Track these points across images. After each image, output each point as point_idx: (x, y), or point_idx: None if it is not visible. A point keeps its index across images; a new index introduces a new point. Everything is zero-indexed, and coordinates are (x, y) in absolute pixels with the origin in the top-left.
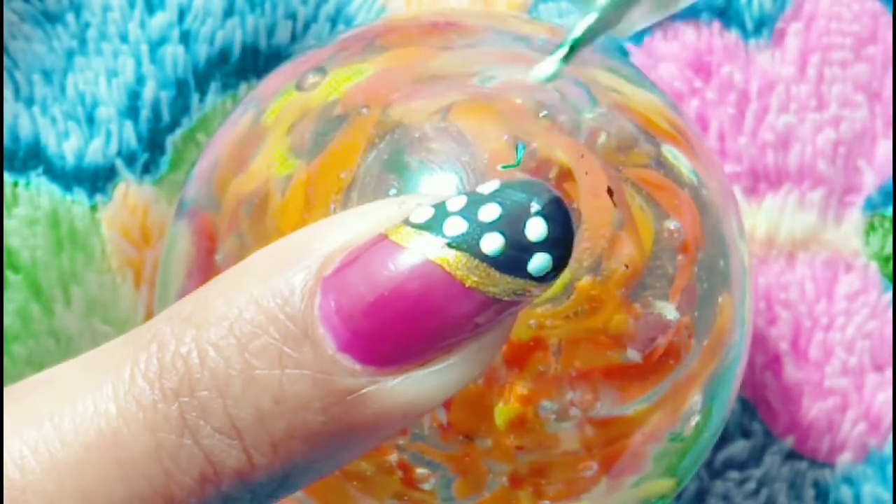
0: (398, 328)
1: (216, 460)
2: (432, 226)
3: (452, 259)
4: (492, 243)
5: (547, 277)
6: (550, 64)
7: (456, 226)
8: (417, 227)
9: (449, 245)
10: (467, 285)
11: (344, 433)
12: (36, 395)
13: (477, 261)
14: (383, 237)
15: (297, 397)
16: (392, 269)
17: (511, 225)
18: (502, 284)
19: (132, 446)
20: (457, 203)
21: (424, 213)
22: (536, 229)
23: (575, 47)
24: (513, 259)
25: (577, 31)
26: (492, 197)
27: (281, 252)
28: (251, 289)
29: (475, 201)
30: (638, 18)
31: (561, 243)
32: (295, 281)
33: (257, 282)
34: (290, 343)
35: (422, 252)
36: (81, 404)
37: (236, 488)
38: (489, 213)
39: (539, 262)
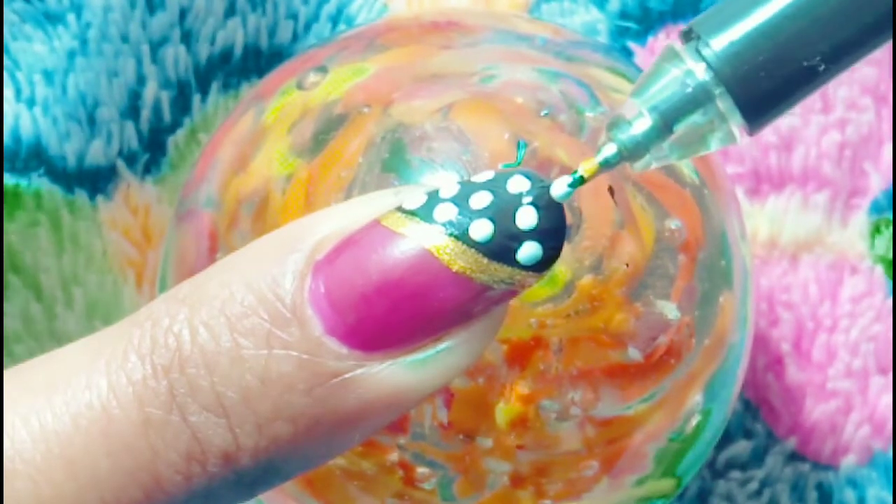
0: (385, 312)
1: (203, 438)
2: (424, 211)
3: (441, 244)
4: (481, 230)
5: (537, 268)
6: (562, 185)
7: (446, 211)
8: (409, 213)
9: (438, 231)
10: (454, 270)
11: (329, 417)
12: (34, 372)
13: (465, 247)
14: (376, 223)
15: (282, 378)
16: (381, 253)
17: (501, 213)
18: (490, 272)
19: (120, 420)
20: (449, 190)
21: (417, 200)
22: (527, 218)
23: (583, 180)
24: (502, 247)
25: (592, 163)
26: (485, 185)
27: (277, 238)
28: (245, 272)
29: (468, 189)
30: (654, 159)
31: (552, 233)
32: (287, 264)
33: (252, 265)
34: (278, 324)
35: (411, 237)
36: (75, 379)
37: (222, 469)
38: (480, 200)
39: (528, 251)
